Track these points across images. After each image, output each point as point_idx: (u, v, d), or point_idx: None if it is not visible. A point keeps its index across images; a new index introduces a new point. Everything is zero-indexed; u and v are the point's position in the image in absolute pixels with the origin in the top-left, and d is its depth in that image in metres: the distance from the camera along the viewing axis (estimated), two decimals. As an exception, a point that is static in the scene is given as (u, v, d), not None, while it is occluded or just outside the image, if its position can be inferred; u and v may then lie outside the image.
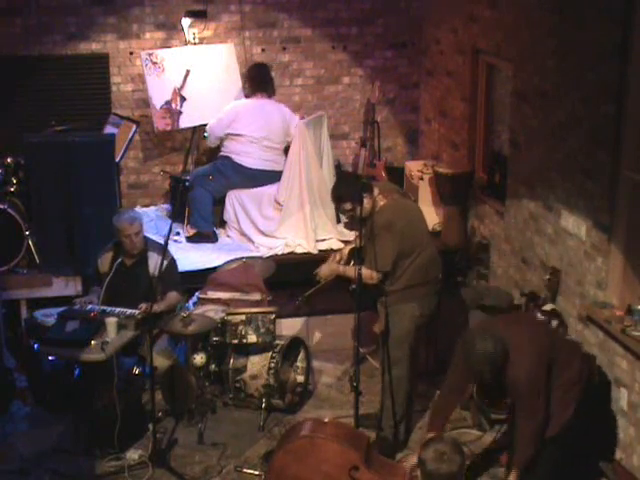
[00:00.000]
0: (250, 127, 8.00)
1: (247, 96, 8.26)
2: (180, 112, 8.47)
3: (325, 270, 6.02)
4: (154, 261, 6.25)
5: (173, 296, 6.31)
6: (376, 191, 5.71)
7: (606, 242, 5.57)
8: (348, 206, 5.71)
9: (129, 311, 6.01)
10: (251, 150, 8.02)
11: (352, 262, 5.99)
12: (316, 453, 4.76)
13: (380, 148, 8.87)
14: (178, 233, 8.14)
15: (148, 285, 6.15)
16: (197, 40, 8.67)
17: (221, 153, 8.14)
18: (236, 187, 8.07)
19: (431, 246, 5.87)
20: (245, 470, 5.66)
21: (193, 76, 8.50)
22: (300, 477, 4.75)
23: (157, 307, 6.03)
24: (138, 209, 8.67)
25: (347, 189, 5.70)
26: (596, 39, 5.54)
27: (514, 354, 4.66)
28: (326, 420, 5.05)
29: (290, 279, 7.24)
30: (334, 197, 5.87)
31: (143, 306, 5.94)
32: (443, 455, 3.79)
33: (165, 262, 6.14)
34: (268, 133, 8.06)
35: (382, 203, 5.69)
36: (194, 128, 8.69)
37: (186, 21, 8.59)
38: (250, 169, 8.04)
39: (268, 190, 8.07)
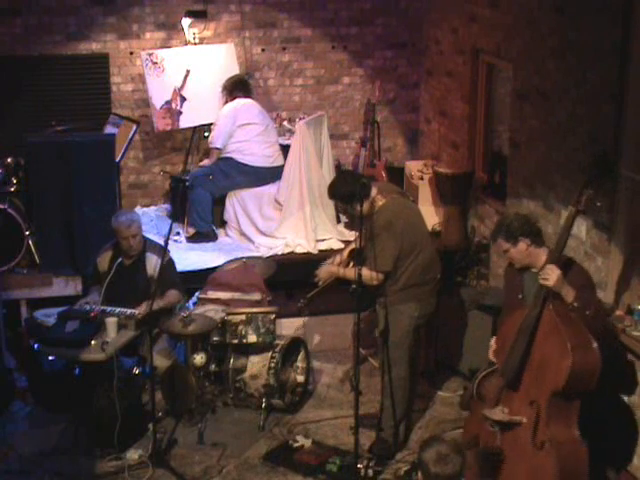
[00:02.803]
0: (254, 117, 8.07)
1: (230, 100, 8.20)
2: (180, 112, 8.48)
3: (324, 272, 6.02)
4: (151, 262, 6.26)
5: (172, 294, 6.31)
6: (374, 191, 5.68)
7: (606, 242, 5.57)
8: (341, 204, 5.72)
9: (129, 311, 6.02)
10: (253, 147, 8.04)
11: (351, 263, 6.00)
12: None
13: (380, 148, 8.86)
14: (178, 233, 8.14)
15: (145, 286, 6.17)
16: (197, 40, 8.67)
17: (222, 155, 8.14)
18: (239, 187, 8.09)
19: (430, 246, 5.85)
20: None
21: (193, 76, 8.51)
22: None
23: (155, 304, 6.02)
24: (138, 209, 8.70)
25: (342, 188, 5.69)
26: (596, 39, 5.54)
27: None
28: None
29: (290, 279, 7.25)
30: (329, 195, 5.87)
31: (143, 306, 5.95)
32: (446, 457, 3.79)
33: (156, 258, 6.16)
34: (267, 125, 8.17)
35: (381, 203, 5.66)
36: (194, 128, 8.70)
37: (186, 21, 8.60)
38: (253, 167, 8.05)
39: (268, 190, 8.08)
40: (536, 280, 4.70)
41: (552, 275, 4.57)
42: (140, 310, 5.98)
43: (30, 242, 7.20)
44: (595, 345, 4.48)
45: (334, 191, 5.78)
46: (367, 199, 5.56)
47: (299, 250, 7.82)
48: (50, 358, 6.20)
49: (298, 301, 6.35)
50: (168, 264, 6.27)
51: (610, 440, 5.25)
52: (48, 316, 6.50)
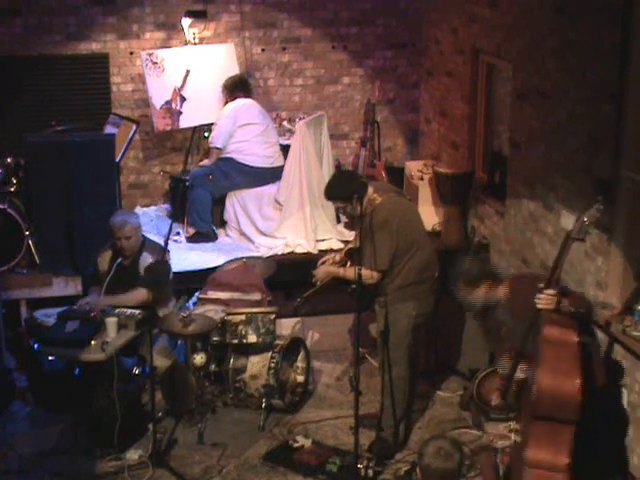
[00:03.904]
0: (254, 117, 8.08)
1: (230, 100, 8.21)
2: (180, 112, 8.48)
3: (321, 272, 6.03)
4: (144, 262, 6.21)
5: (138, 292, 6.08)
6: (371, 190, 5.68)
7: (606, 242, 5.57)
8: (339, 204, 5.72)
9: (129, 311, 6.02)
10: (253, 147, 8.04)
11: (348, 263, 6.00)
12: None
13: (380, 148, 8.86)
14: (178, 233, 8.14)
15: (142, 286, 6.16)
16: (197, 40, 8.67)
17: (223, 155, 8.14)
18: (238, 187, 8.09)
19: (428, 245, 5.86)
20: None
21: (193, 76, 8.51)
22: None
23: (116, 300, 6.02)
24: (138, 209, 8.70)
25: (338, 188, 5.70)
26: (596, 39, 5.54)
27: None
28: None
29: (290, 279, 7.25)
30: (325, 195, 5.88)
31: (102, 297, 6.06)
32: (442, 450, 3.79)
33: (151, 259, 6.10)
34: (267, 125, 8.17)
35: (377, 202, 5.65)
36: (194, 128, 8.70)
37: (186, 21, 8.59)
38: (253, 167, 8.05)
39: (268, 190, 8.09)
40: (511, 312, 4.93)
41: (548, 300, 4.64)
42: (97, 300, 6.07)
43: (30, 242, 7.20)
44: (577, 381, 4.41)
45: (330, 191, 5.79)
46: (364, 198, 5.56)
47: (299, 250, 7.82)
48: (50, 358, 6.19)
49: (295, 301, 6.36)
50: (158, 265, 6.01)
51: (609, 440, 5.25)
52: (48, 316, 6.51)
